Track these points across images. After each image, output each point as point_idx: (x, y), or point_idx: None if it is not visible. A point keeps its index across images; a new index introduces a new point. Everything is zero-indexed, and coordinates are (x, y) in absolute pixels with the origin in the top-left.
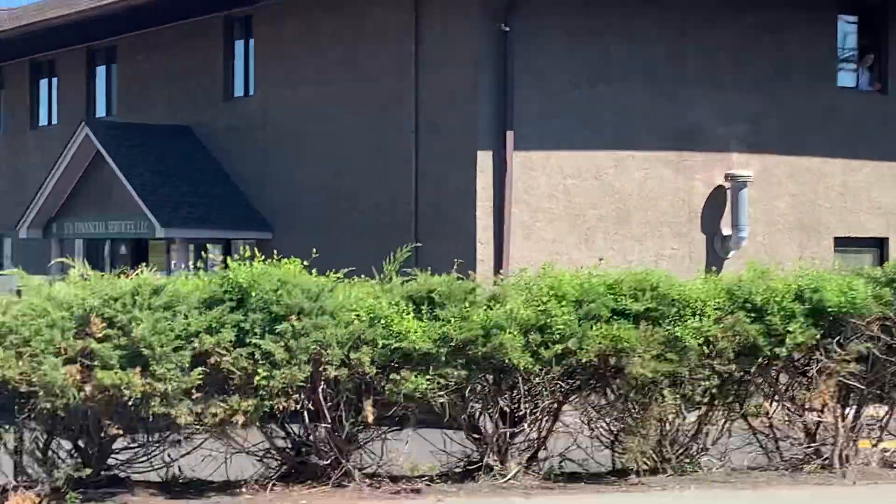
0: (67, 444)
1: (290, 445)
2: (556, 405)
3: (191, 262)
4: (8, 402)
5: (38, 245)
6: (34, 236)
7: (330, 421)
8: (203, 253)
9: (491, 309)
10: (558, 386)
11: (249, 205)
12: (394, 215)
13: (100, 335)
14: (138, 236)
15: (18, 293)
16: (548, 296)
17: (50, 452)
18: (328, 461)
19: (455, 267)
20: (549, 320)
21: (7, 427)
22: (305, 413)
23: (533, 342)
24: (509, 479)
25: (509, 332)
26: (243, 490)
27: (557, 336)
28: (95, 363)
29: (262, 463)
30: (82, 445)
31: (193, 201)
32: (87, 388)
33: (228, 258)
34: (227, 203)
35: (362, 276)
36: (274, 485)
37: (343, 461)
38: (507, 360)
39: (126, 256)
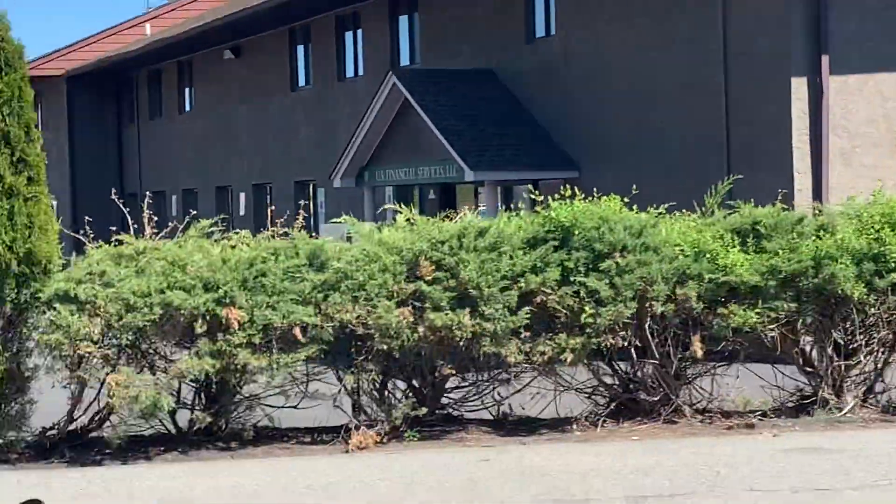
0: (402, 385)
1: (617, 382)
2: (892, 336)
3: (499, 204)
4: (345, 344)
5: (350, 193)
6: (347, 185)
7: (657, 357)
8: (526, 194)
9: (820, 239)
10: (894, 317)
11: (554, 144)
12: (704, 148)
13: (429, 278)
14: (447, 181)
15: (349, 239)
16: (880, 223)
17: (386, 393)
18: (657, 397)
19: (779, 197)
20: (882, 249)
21: (345, 369)
22: (632, 350)
23: (866, 272)
24: (846, 413)
25: (841, 263)
26: (573, 427)
27: (892, 265)
28: (426, 305)
29: (590, 400)
30: (416, 385)
31: (500, 143)
32: (420, 329)
33: (550, 198)
34: (532, 144)
35: (683, 210)
36: (604, 421)
37: (672, 397)
38: (839, 291)
39: (434, 201)
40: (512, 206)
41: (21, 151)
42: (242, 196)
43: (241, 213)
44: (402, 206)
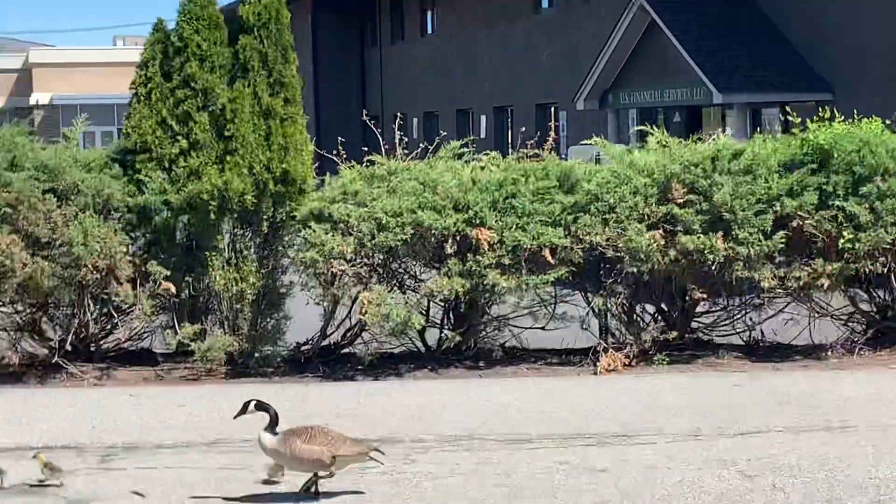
0: (650, 308)
1: (875, 309)
2: None
3: (747, 127)
4: (593, 267)
5: (592, 116)
6: (590, 108)
7: None
8: (781, 116)
9: None
10: None
11: (807, 66)
12: None
13: (681, 200)
14: (693, 103)
15: (597, 161)
16: None
17: (634, 316)
18: None
19: None
20: None
21: (594, 292)
22: (892, 276)
23: None
24: None
25: None
26: (828, 354)
27: None
28: (678, 228)
29: (846, 327)
30: (665, 309)
31: (749, 65)
32: (671, 252)
33: (808, 121)
34: (783, 65)
35: None
36: (860, 349)
37: None
38: None
39: (679, 124)
40: (760, 128)
41: (278, 73)
42: (483, 119)
43: (482, 135)
44: (654, 127)
